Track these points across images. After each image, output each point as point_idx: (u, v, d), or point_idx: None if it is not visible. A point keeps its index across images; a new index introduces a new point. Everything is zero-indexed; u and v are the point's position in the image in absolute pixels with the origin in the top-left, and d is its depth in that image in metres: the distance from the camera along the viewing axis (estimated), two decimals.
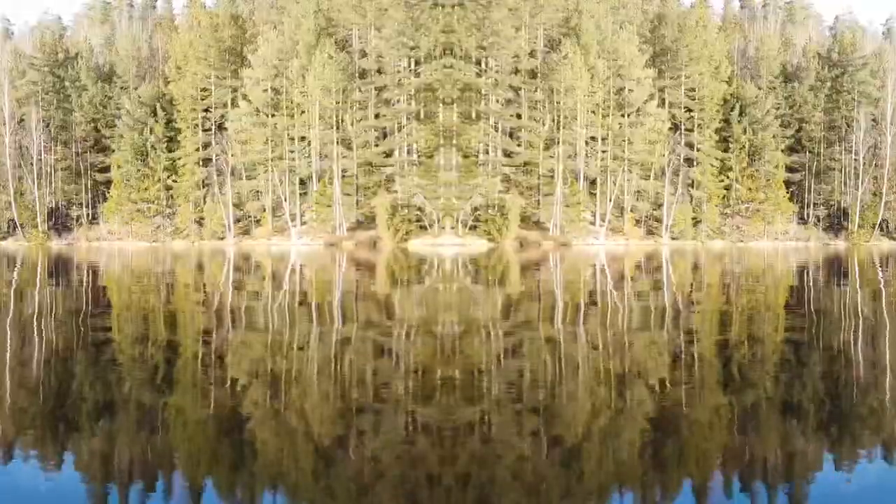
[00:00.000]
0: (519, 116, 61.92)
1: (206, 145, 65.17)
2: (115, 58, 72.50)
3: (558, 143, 61.10)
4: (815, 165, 68.89)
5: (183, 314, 11.75)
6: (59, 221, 68.45)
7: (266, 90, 62.58)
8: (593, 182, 62.97)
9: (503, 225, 55.89)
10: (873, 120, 67.69)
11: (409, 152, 59.51)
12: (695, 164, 64.85)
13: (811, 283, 18.54)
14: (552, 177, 61.09)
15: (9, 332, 9.17)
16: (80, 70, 69.61)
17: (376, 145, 61.60)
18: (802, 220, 68.62)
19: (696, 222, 64.33)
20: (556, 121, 61.47)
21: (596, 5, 64.00)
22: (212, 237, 63.66)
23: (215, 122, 65.41)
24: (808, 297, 14.81)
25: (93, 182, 68.68)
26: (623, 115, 62.69)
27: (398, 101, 60.53)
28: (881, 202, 66.62)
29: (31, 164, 66.38)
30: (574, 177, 61.72)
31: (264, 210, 63.75)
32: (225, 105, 65.19)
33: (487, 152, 58.99)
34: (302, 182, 62.94)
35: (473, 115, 57.71)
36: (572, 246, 57.79)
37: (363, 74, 62.75)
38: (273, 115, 62.61)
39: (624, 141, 62.52)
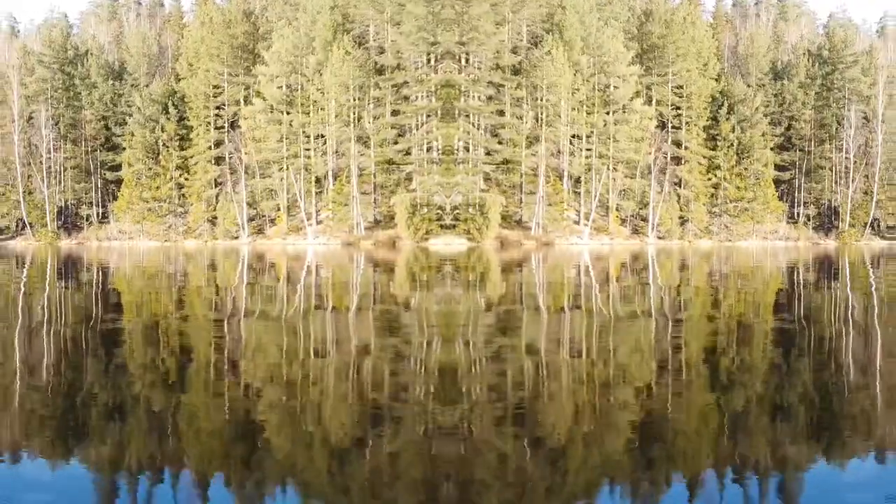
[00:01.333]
0: (501, 113, 60.31)
1: (219, 143, 64.00)
2: (126, 55, 71.45)
3: (541, 140, 59.66)
4: (804, 164, 67.60)
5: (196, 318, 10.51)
6: (69, 220, 67.43)
7: (281, 87, 61.33)
8: (577, 180, 61.54)
9: (483, 224, 54.30)
10: (864, 118, 66.50)
11: (428, 150, 57.60)
12: (682, 162, 63.52)
13: (802, 284, 17.18)
14: (535, 175, 59.59)
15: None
16: (90, 67, 68.53)
17: (395, 143, 59.98)
18: (792, 220, 67.23)
19: (682, 221, 63.03)
20: (538, 118, 60.01)
21: (580, 1, 62.52)
22: (225, 236, 62.43)
23: (228, 119, 64.21)
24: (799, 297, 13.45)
25: (103, 181, 67.60)
26: (608, 113, 61.34)
27: (417, 97, 58.76)
28: (872, 201, 65.40)
29: (41, 162, 65.45)
30: (557, 175, 60.24)
31: (279, 209, 62.39)
32: (238, 102, 63.66)
33: (468, 150, 57.23)
34: (318, 180, 61.56)
35: (456, 113, 56.04)
36: (555, 245, 56.39)
37: (381, 71, 61.12)
38: (288, 113, 61.25)
39: (609, 139, 61.11)
